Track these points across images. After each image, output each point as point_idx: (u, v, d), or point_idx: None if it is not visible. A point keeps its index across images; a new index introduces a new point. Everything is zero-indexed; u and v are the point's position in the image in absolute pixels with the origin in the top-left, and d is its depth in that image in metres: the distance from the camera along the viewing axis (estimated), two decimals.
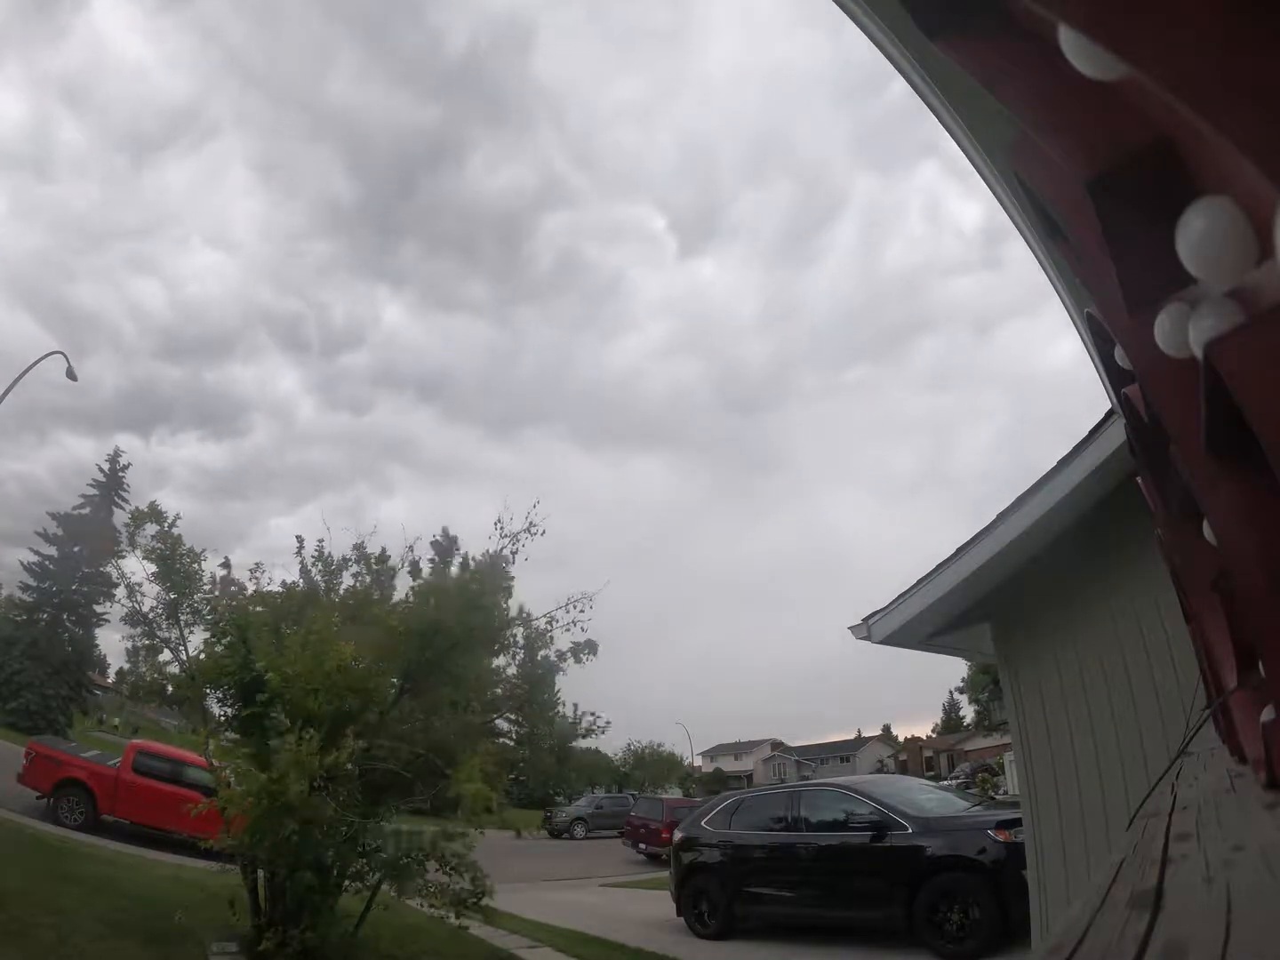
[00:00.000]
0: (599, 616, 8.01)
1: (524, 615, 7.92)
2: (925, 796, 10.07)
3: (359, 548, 8.17)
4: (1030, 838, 6.31)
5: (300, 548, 8.38)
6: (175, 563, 7.52)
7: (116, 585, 8.74)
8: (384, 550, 8.22)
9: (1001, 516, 6.03)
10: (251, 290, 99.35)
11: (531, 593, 8.14)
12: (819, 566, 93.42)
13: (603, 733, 9.08)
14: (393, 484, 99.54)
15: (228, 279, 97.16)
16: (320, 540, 8.42)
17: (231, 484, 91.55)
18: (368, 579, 8.21)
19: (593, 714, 9.55)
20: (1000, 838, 8.01)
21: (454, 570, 7.84)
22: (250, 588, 7.93)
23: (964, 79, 0.90)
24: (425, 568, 8.06)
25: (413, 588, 7.98)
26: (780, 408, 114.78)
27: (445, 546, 8.06)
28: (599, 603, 7.87)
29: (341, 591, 8.29)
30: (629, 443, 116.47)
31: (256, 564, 8.02)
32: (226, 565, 7.88)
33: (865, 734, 64.78)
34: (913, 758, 56.94)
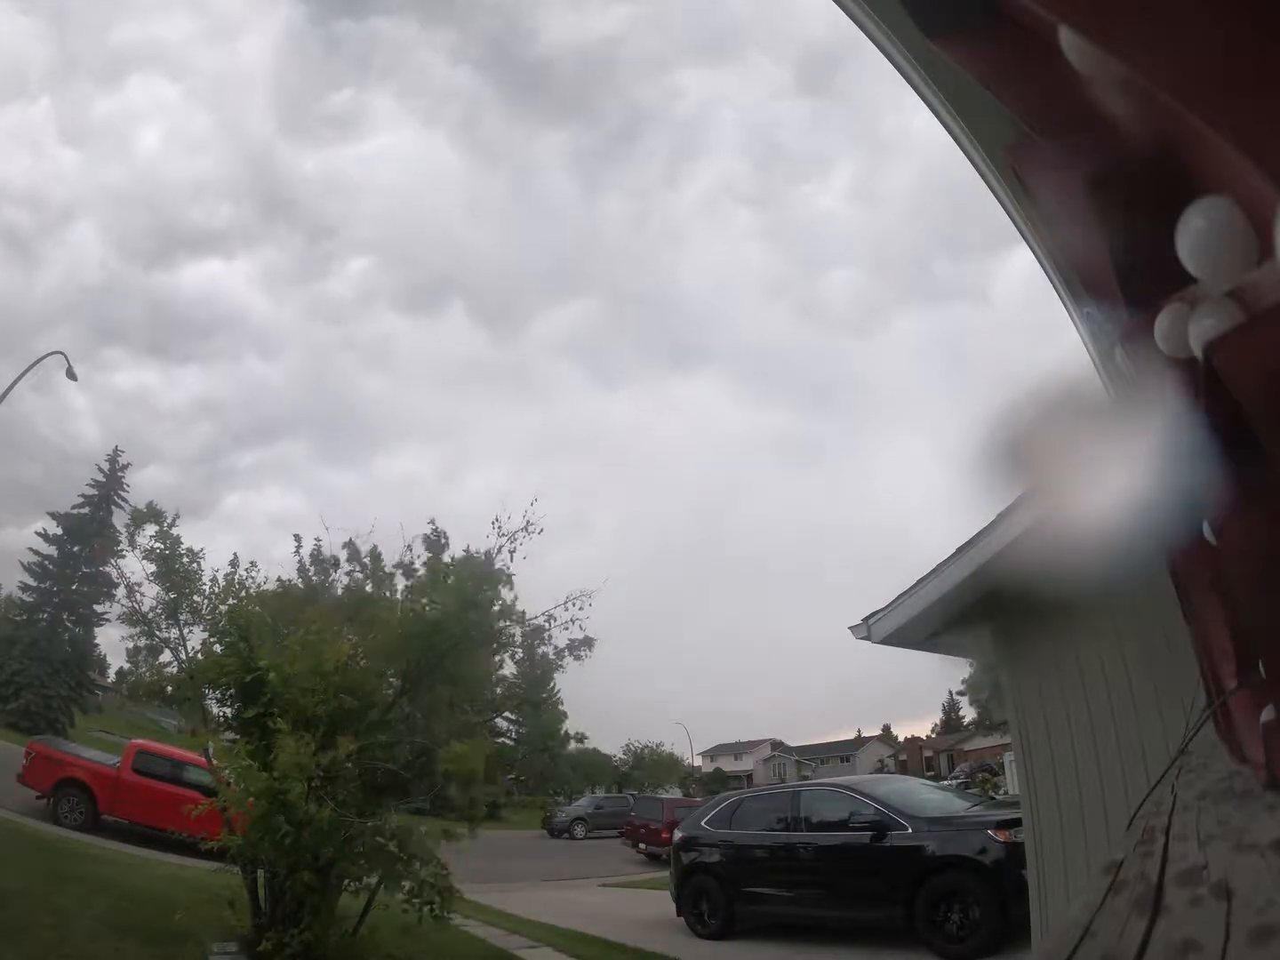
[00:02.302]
0: (599, 614, 8.01)
1: (521, 614, 7.91)
2: (925, 796, 10.06)
3: (349, 545, 8.15)
4: (1030, 838, 6.31)
5: (298, 547, 8.39)
6: (174, 562, 7.51)
7: (116, 585, 8.75)
8: (375, 548, 8.18)
9: (1002, 516, 6.03)
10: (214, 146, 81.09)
11: (535, 572, 8.07)
12: (840, 555, 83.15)
13: (581, 742, 9.11)
14: (387, 436, 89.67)
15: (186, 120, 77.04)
16: (317, 539, 8.43)
17: (204, 442, 79.17)
18: (361, 577, 8.19)
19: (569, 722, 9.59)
20: (1000, 838, 8.00)
21: (447, 562, 7.80)
22: (249, 584, 7.91)
23: (964, 79, 0.90)
24: (419, 567, 8.03)
25: (409, 587, 7.97)
26: (841, 334, 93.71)
27: (436, 541, 7.99)
28: (599, 600, 7.87)
29: (339, 591, 8.28)
30: (661, 362, 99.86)
31: (251, 563, 8.01)
32: (235, 564, 7.87)
33: (865, 734, 64.70)
34: (913, 758, 56.89)
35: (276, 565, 8.44)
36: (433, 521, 8.08)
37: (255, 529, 69.12)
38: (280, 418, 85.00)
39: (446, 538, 7.96)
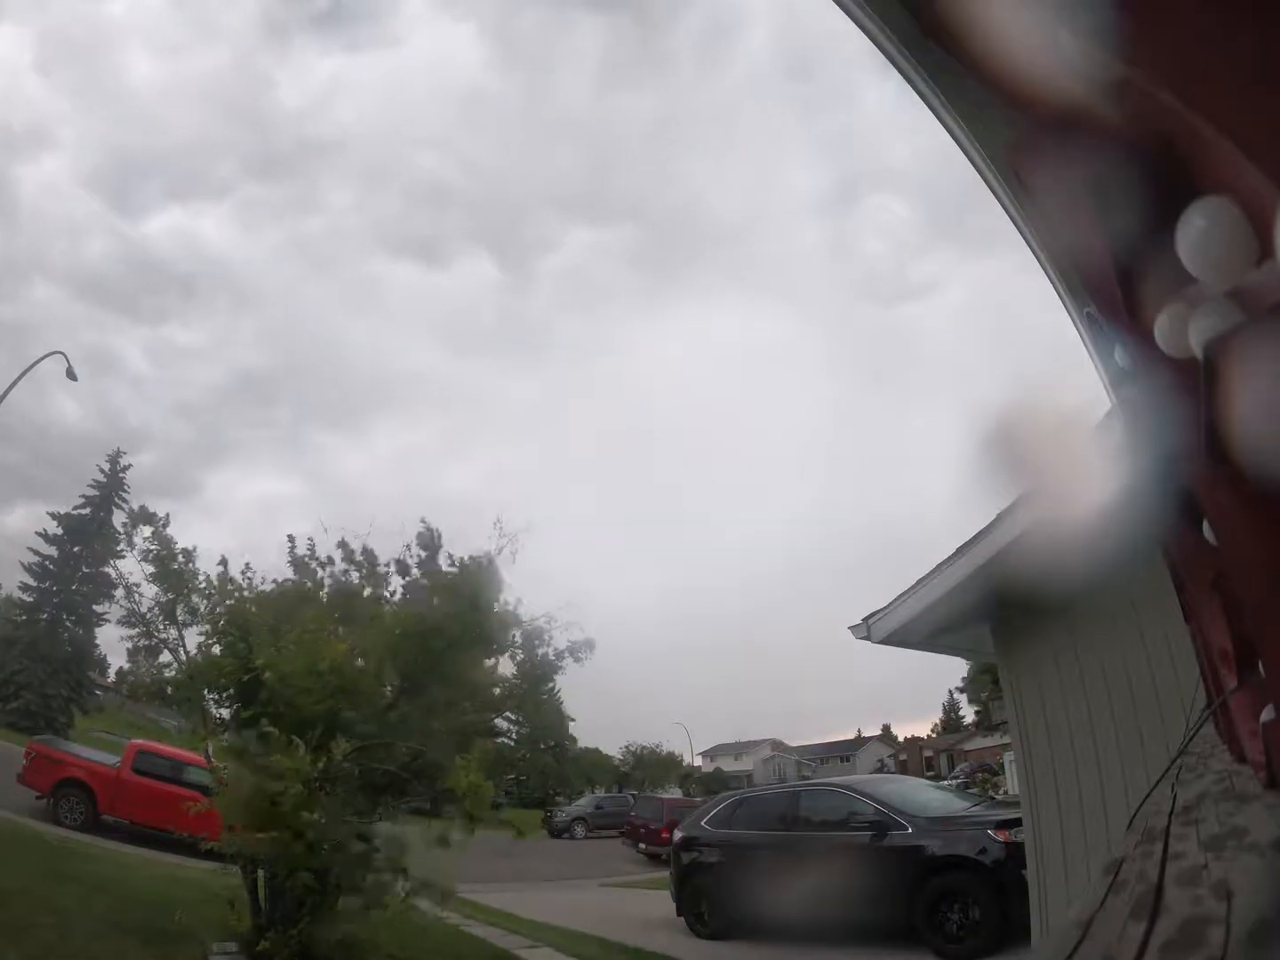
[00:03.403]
0: (599, 613, 8.03)
1: (519, 617, 7.91)
2: (925, 796, 10.07)
3: (343, 545, 8.14)
4: (1030, 838, 6.32)
5: (292, 546, 8.40)
6: (171, 563, 7.51)
7: (116, 585, 8.75)
8: (368, 548, 8.16)
9: (1001, 516, 6.03)
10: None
11: (535, 569, 8.03)
12: (845, 552, 77.45)
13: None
14: (383, 401, 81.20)
15: None
16: (310, 538, 8.44)
17: (190, 414, 68.42)
18: (357, 577, 8.19)
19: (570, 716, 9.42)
20: (1000, 838, 8.01)
21: (443, 566, 7.83)
22: (246, 584, 7.91)
23: (964, 78, 0.90)
24: (413, 565, 8.04)
25: (404, 585, 7.98)
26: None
27: (429, 539, 7.99)
28: (599, 600, 7.90)
29: (330, 588, 8.28)
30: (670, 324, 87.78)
31: (247, 564, 8.01)
32: (224, 563, 7.87)
33: (865, 734, 64.71)
34: (913, 758, 56.86)
35: (261, 554, 8.39)
36: (424, 520, 8.09)
37: (246, 512, 62.90)
38: (271, 385, 75.57)
39: (440, 536, 7.96)
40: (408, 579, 7.96)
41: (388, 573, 8.10)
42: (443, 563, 8.05)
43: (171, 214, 76.32)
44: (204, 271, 71.38)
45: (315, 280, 75.48)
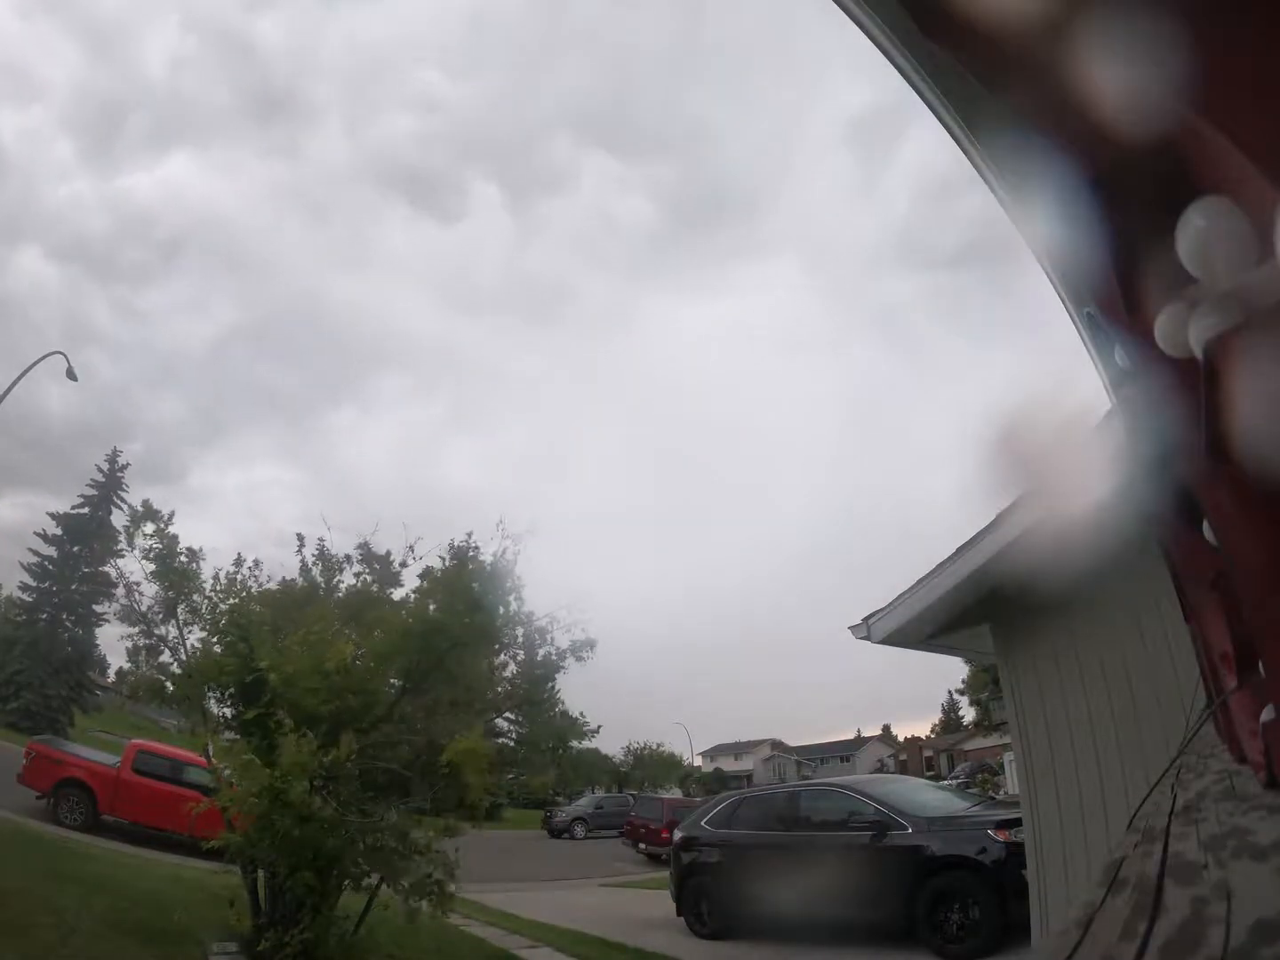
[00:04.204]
0: (600, 613, 8.02)
1: (525, 616, 7.91)
2: (925, 796, 10.06)
3: (363, 548, 8.13)
4: (1030, 837, 6.32)
5: (301, 545, 8.39)
6: (172, 561, 7.51)
7: (116, 585, 8.75)
8: (388, 552, 8.16)
9: (1002, 516, 6.03)
10: None
11: (533, 567, 7.97)
12: (846, 551, 76.60)
13: (594, 735, 9.04)
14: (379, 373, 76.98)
15: None
16: (321, 539, 8.43)
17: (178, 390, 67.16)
18: (369, 579, 8.17)
19: (583, 715, 9.50)
20: (1000, 838, 8.00)
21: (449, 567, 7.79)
22: (249, 584, 7.91)
23: (964, 79, 0.90)
24: (436, 564, 8.00)
25: (415, 590, 7.96)
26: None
27: (463, 550, 7.94)
28: (599, 600, 7.88)
29: (343, 591, 8.27)
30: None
31: (255, 561, 8.02)
32: (239, 562, 7.86)
33: (865, 734, 64.71)
34: (913, 758, 56.84)
35: (256, 541, 8.30)
36: (470, 534, 7.98)
37: (238, 499, 63.29)
38: (266, 358, 73.71)
39: (478, 549, 7.86)
40: (422, 583, 7.92)
41: (399, 573, 8.07)
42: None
43: (156, 164, 72.04)
44: (195, 232, 68.51)
45: (310, 232, 72.25)
